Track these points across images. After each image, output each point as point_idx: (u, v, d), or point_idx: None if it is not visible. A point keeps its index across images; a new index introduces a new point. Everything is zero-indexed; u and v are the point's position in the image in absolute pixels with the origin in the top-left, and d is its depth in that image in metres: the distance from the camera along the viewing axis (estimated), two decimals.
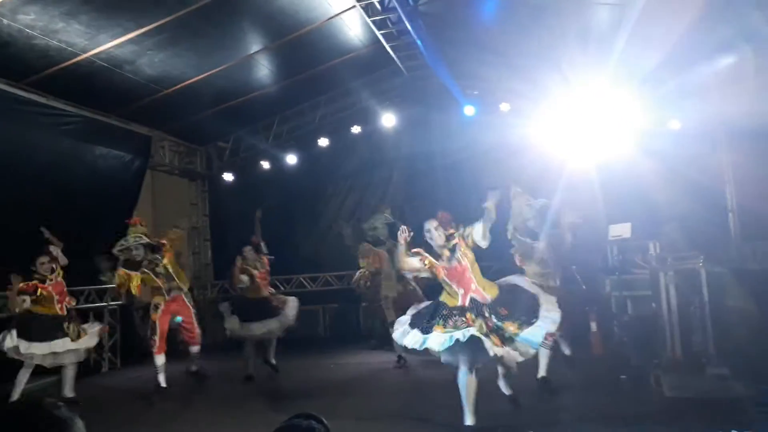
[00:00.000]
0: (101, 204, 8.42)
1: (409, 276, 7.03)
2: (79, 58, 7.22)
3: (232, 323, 7.24)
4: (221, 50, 8.17)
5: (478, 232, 4.58)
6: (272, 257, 7.63)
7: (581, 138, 8.46)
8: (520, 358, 4.53)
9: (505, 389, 5.27)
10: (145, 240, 6.57)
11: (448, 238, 4.72)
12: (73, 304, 6.73)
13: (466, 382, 4.51)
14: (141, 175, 9.77)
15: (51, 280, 6.26)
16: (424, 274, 4.93)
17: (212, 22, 7.31)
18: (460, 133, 10.15)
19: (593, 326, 6.87)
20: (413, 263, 4.75)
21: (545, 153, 8.52)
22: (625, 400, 5.26)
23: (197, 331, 7.01)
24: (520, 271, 5.54)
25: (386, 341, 8.32)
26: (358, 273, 8.16)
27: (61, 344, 6.09)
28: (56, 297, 6.26)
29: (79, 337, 6.28)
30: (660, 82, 7.99)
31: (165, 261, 6.68)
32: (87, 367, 8.45)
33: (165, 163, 10.89)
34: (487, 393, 5.56)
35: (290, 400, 6.12)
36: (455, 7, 8.42)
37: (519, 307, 4.56)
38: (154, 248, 6.68)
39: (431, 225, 4.73)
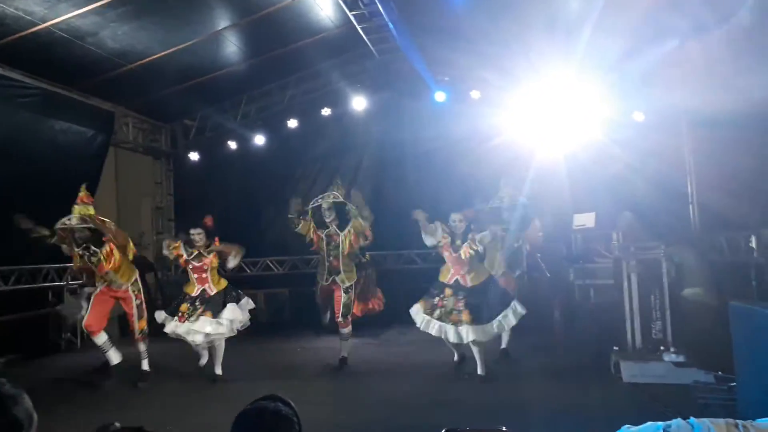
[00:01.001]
0: (61, 181, 8.11)
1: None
2: (37, 28, 6.91)
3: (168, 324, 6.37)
4: (188, 25, 7.93)
5: (483, 242, 5.88)
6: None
7: (550, 127, 8.54)
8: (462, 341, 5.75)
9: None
10: (90, 224, 5.92)
11: (465, 231, 5.89)
12: None
13: None
14: (103, 151, 9.47)
15: None
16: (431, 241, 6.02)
17: None
18: (431, 120, 10.14)
19: (556, 314, 6.99)
20: (436, 233, 5.93)
21: (515, 141, 8.59)
22: (586, 386, 5.38)
23: (136, 326, 6.34)
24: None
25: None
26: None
27: None
28: None
29: None
30: (624, 72, 8.10)
31: (104, 254, 6.02)
32: (45, 347, 8.28)
33: (129, 140, 10.58)
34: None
35: (255, 383, 6.07)
36: None
37: (489, 300, 5.76)
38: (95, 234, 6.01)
39: (456, 217, 5.91)
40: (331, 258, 6.59)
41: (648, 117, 8.63)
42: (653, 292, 5.75)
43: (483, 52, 8.84)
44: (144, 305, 6.44)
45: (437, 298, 5.90)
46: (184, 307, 6.20)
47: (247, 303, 6.46)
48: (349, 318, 6.66)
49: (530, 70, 8.06)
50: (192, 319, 6.05)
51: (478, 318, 5.66)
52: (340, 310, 6.60)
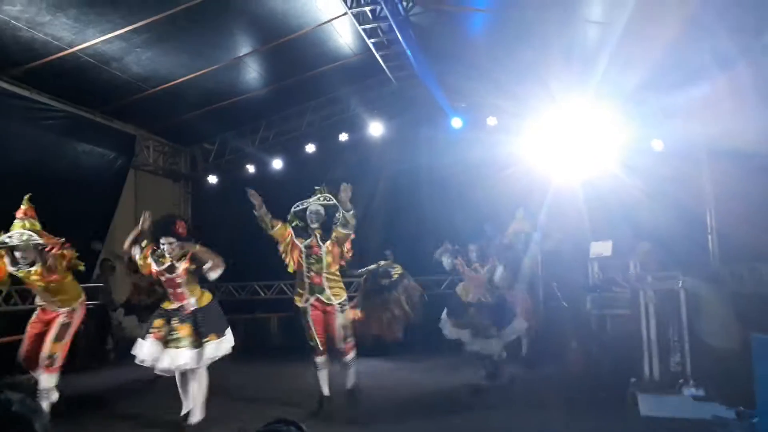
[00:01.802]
0: (83, 201, 8.29)
1: None
2: (65, 53, 7.14)
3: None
4: (210, 51, 8.12)
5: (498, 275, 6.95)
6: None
7: (566, 155, 8.53)
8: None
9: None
10: (38, 241, 5.02)
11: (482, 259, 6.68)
12: None
13: None
14: (124, 173, 9.65)
15: None
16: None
17: (202, 22, 7.26)
18: (447, 147, 10.16)
19: (573, 344, 6.88)
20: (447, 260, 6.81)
21: (531, 169, 8.57)
22: (602, 418, 5.25)
23: (47, 348, 5.18)
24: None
25: None
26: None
27: None
28: None
29: None
30: (642, 102, 8.10)
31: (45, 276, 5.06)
32: None
33: (149, 163, 10.77)
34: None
35: (266, 407, 6.02)
36: (445, 21, 8.49)
37: (493, 317, 6.50)
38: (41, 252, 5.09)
39: (474, 247, 6.66)
40: (312, 273, 5.46)
41: (667, 146, 8.58)
42: (672, 323, 5.63)
43: (499, 80, 8.92)
44: (71, 330, 5.36)
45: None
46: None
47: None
48: (352, 341, 5.62)
49: (546, 98, 8.09)
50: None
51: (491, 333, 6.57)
52: (336, 335, 5.51)
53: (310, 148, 10.98)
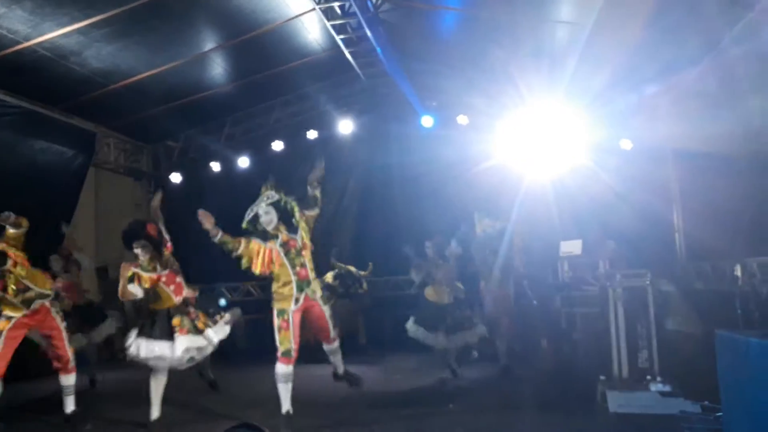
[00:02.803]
0: (40, 202, 7.95)
1: None
2: (20, 46, 6.88)
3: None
4: (174, 46, 7.90)
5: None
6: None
7: (537, 153, 8.56)
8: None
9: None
10: None
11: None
12: None
13: None
14: (83, 172, 9.34)
15: None
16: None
17: (165, 16, 7.08)
18: (418, 145, 10.12)
19: (543, 342, 6.91)
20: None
21: (502, 167, 8.59)
22: (572, 416, 5.27)
23: (69, 354, 5.29)
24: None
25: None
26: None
27: None
28: None
29: None
30: (610, 101, 8.18)
31: (16, 269, 4.96)
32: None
33: (110, 161, 10.45)
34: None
35: (229, 411, 5.87)
36: (415, 18, 8.43)
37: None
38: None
39: (429, 243, 6.84)
40: (297, 268, 5.17)
41: (635, 145, 8.69)
42: (639, 321, 5.69)
43: (471, 78, 8.92)
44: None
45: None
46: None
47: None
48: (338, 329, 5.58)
49: (517, 97, 8.10)
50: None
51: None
52: (329, 327, 5.38)
53: (278, 145, 10.81)
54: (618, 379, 5.67)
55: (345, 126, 10.48)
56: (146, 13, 6.84)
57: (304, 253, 5.25)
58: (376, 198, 10.52)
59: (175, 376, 5.34)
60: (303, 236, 5.33)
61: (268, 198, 5.44)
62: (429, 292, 6.86)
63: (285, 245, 5.23)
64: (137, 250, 5.16)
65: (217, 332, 5.31)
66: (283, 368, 5.04)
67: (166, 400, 5.32)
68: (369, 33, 7.31)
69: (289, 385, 5.08)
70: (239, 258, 5.17)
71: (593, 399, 5.57)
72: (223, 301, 8.40)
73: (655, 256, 7.28)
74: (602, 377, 5.74)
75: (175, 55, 8.08)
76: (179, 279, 5.38)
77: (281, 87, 10.20)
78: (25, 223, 5.05)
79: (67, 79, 7.85)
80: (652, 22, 5.90)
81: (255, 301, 10.26)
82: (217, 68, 8.85)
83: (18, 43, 6.82)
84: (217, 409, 5.96)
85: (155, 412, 5.18)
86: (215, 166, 11.11)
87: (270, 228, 5.27)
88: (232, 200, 10.95)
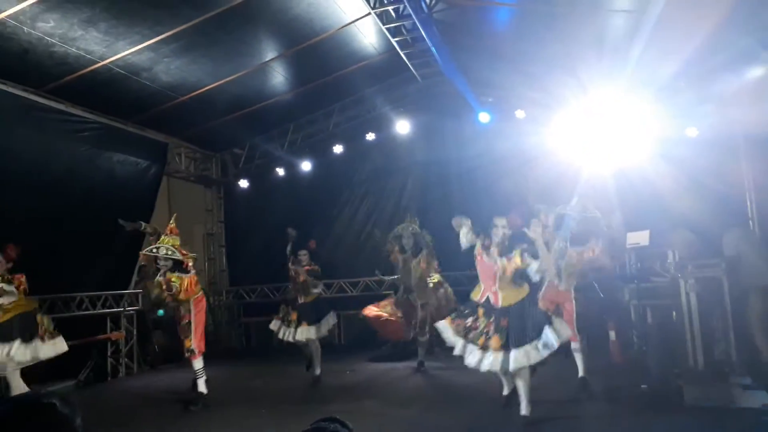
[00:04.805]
0: (118, 210, 8.45)
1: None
2: (97, 66, 7.30)
3: (275, 324, 7.36)
4: (237, 58, 8.21)
5: (533, 270, 4.94)
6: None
7: (597, 145, 8.39)
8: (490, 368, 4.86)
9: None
10: (177, 257, 6.12)
11: (510, 240, 5.00)
12: None
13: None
14: (157, 181, 9.84)
15: None
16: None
17: (228, 29, 7.35)
18: (474, 141, 10.12)
19: (612, 335, 6.77)
20: (466, 233, 5.25)
21: (561, 160, 8.45)
22: (647, 410, 5.17)
23: (185, 343, 6.38)
24: None
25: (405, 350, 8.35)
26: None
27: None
28: None
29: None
30: (677, 90, 7.92)
31: (184, 285, 6.14)
32: (104, 372, 8.53)
33: (181, 170, 10.97)
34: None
35: (307, 405, 6.08)
36: (469, 15, 8.42)
37: (522, 324, 4.85)
38: (176, 264, 6.20)
39: (500, 222, 5.06)
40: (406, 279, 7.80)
41: (703, 134, 8.38)
42: (715, 312, 5.52)
43: (527, 71, 8.82)
44: (191, 326, 6.34)
45: (470, 319, 5.08)
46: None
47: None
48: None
49: (577, 89, 7.97)
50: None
51: (507, 345, 4.84)
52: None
53: (338, 148, 11.05)
54: (694, 372, 5.52)
55: (402, 126, 10.60)
56: (210, 28, 7.14)
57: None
58: (433, 194, 10.56)
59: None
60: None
61: (413, 229, 7.64)
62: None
63: (405, 262, 7.62)
64: (302, 258, 7.37)
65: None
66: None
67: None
68: (424, 34, 7.37)
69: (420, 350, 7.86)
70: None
71: (667, 392, 5.44)
72: None
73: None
74: (676, 370, 5.60)
75: (239, 66, 8.40)
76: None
77: (339, 92, 10.41)
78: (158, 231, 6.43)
79: (140, 94, 8.28)
80: (727, 7, 5.69)
81: (348, 298, 10.70)
82: (278, 77, 9.13)
83: (94, 62, 7.25)
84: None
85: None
86: (279, 171, 11.49)
87: (406, 247, 7.60)
88: (297, 203, 11.37)
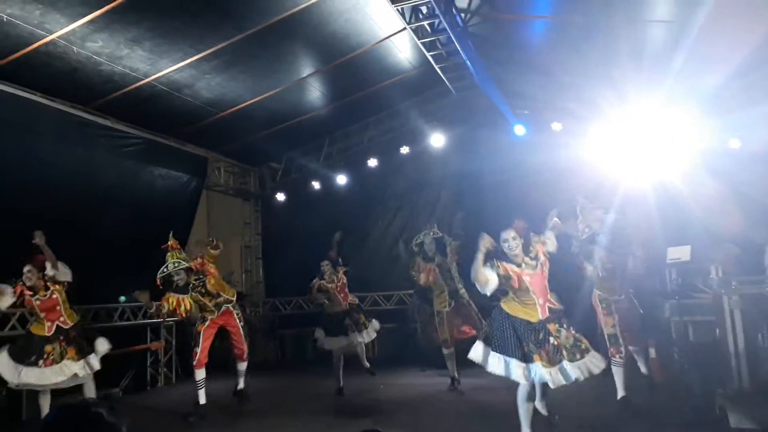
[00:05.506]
0: (160, 222, 8.68)
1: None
2: (141, 83, 7.58)
3: (318, 334, 7.44)
4: (275, 74, 8.40)
5: (552, 242, 4.67)
6: (347, 268, 7.67)
7: (636, 157, 8.25)
8: (564, 381, 4.36)
9: (543, 409, 5.00)
10: (185, 264, 6.28)
11: (525, 246, 4.65)
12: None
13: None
14: (197, 194, 10.09)
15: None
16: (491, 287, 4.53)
17: (267, 46, 7.54)
18: (509, 153, 10.05)
19: (652, 352, 6.58)
20: (489, 275, 4.48)
21: (598, 172, 8.33)
22: (689, 430, 5.01)
23: (244, 346, 6.74)
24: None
25: (435, 362, 8.31)
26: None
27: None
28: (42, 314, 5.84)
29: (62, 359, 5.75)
30: (721, 101, 7.74)
31: (210, 281, 6.38)
32: (143, 381, 8.72)
33: (220, 183, 11.21)
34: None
35: (341, 419, 6.10)
36: (504, 28, 8.43)
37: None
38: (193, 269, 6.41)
39: (509, 235, 4.63)
40: (448, 281, 7.24)
41: (746, 146, 8.16)
42: (760, 330, 5.33)
43: (563, 83, 8.76)
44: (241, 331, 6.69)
45: (551, 338, 4.44)
46: None
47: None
48: None
49: (614, 100, 7.87)
50: None
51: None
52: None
53: (373, 162, 11.13)
54: (738, 393, 5.33)
55: (436, 139, 10.61)
56: (249, 45, 7.34)
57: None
58: (468, 205, 10.49)
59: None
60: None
61: (433, 233, 7.34)
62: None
63: (440, 267, 7.21)
64: (324, 269, 7.37)
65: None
66: (444, 351, 7.31)
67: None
68: (459, 48, 7.40)
69: (452, 360, 7.29)
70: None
71: (711, 413, 5.26)
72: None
73: None
74: (720, 390, 5.42)
75: (277, 82, 8.59)
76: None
77: (374, 106, 10.53)
78: (221, 245, 6.69)
79: (181, 109, 8.55)
80: None
81: (381, 312, 10.53)
82: (315, 92, 9.29)
83: (139, 80, 7.53)
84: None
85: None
86: (315, 185, 11.63)
87: (430, 253, 7.23)
88: (332, 216, 11.47)
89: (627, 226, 5.72)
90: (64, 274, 5.93)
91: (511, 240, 4.62)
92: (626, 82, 7.46)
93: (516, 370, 4.36)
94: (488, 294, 4.54)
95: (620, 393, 5.57)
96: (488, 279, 4.43)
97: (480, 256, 4.50)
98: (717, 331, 5.90)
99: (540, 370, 4.33)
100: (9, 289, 5.71)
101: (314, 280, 7.32)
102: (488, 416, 5.97)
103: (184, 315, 6.35)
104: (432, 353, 8.68)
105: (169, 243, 6.42)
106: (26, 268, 5.79)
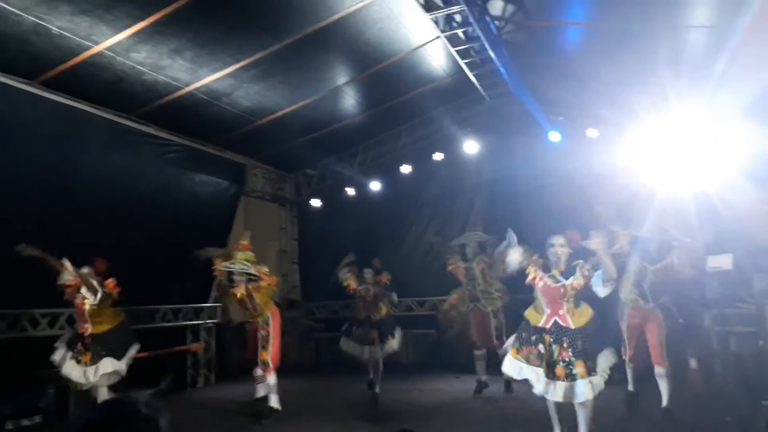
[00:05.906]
0: (200, 227, 8.94)
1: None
2: (182, 92, 7.79)
3: (343, 339, 7.66)
4: (311, 83, 8.53)
5: (598, 279, 4.55)
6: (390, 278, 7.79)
7: (675, 165, 8.08)
8: (576, 400, 4.45)
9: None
10: (251, 271, 6.37)
11: (570, 258, 4.73)
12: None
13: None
14: (236, 200, 10.31)
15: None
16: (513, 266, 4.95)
17: (303, 56, 7.67)
18: (543, 159, 9.96)
19: (693, 363, 6.44)
20: (517, 257, 4.88)
21: (634, 179, 8.20)
22: None
23: (258, 355, 6.61)
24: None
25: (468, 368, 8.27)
26: (447, 303, 8.20)
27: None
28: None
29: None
30: (765, 107, 7.52)
31: (258, 296, 6.45)
32: (183, 382, 8.94)
33: (257, 189, 11.43)
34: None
35: (375, 422, 6.15)
36: (538, 35, 8.38)
37: (596, 345, 4.59)
38: (251, 279, 6.47)
39: (557, 240, 4.75)
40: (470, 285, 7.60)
41: None
42: None
43: (599, 90, 8.65)
44: (270, 338, 6.56)
45: (540, 346, 4.64)
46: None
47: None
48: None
49: (651, 106, 7.74)
50: None
51: (592, 368, 4.46)
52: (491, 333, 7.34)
53: (406, 169, 11.17)
54: None
55: (470, 146, 10.59)
56: (287, 55, 7.48)
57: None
58: (501, 212, 10.44)
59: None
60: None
61: (480, 237, 7.67)
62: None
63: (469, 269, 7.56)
64: (366, 276, 7.75)
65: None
66: (475, 352, 7.65)
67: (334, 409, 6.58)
68: (493, 55, 7.39)
69: (483, 362, 7.58)
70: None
71: (754, 426, 5.13)
72: None
73: None
74: (764, 402, 5.28)
75: (313, 91, 8.73)
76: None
77: (408, 113, 10.58)
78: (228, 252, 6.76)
79: (220, 118, 8.75)
80: None
81: (415, 317, 10.78)
82: (350, 100, 9.40)
83: (180, 89, 7.75)
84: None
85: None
86: (350, 191, 11.75)
87: (470, 255, 7.59)
88: (366, 222, 11.59)
89: (666, 234, 5.64)
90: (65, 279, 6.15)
91: (557, 246, 4.72)
92: (664, 88, 7.32)
93: (531, 374, 4.63)
94: (507, 272, 5.04)
95: (664, 403, 5.57)
96: (515, 257, 4.86)
97: (516, 246, 5.07)
98: (761, 342, 5.76)
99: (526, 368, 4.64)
100: (70, 267, 6.02)
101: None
102: (521, 424, 5.93)
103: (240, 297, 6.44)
104: (464, 358, 8.66)
105: (242, 242, 6.68)
106: (84, 270, 6.12)
